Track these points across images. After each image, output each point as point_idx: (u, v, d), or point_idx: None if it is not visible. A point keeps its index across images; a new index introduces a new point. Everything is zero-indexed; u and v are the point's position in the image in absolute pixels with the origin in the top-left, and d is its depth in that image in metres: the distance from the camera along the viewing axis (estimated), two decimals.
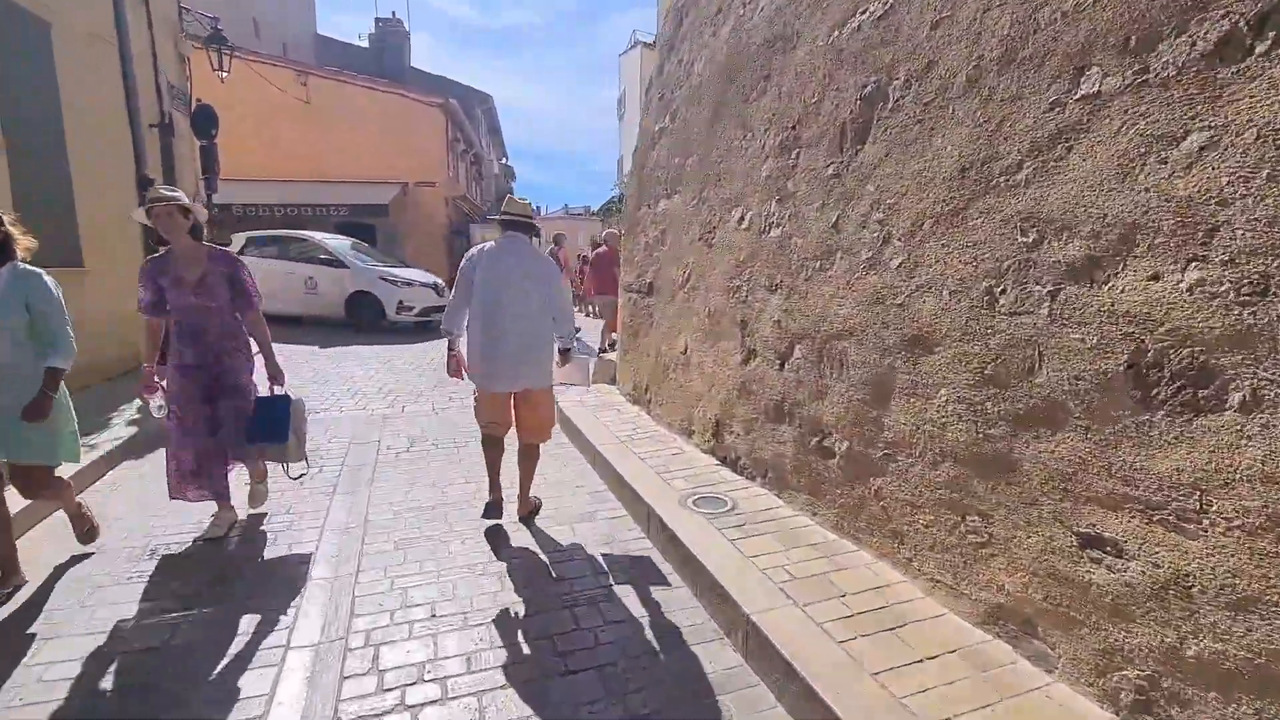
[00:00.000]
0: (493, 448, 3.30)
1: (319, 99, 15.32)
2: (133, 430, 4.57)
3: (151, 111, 7.17)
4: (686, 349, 4.34)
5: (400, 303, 9.99)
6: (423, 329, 10.30)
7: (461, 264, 3.22)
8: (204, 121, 7.72)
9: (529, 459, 3.39)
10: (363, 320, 10.08)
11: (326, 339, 9.34)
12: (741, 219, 3.71)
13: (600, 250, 9.01)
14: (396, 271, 10.50)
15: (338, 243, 10.88)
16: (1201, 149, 1.57)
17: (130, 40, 6.69)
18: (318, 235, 10.99)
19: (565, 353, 3.38)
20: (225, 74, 8.48)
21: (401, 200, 15.52)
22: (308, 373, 7.03)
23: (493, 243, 3.20)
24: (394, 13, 24.87)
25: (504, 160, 38.37)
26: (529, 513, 3.43)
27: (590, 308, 13.53)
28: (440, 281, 10.97)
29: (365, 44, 24.81)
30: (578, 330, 3.43)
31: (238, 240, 10.87)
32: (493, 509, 3.28)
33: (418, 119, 15.88)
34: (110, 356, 6.19)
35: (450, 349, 3.23)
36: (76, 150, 5.79)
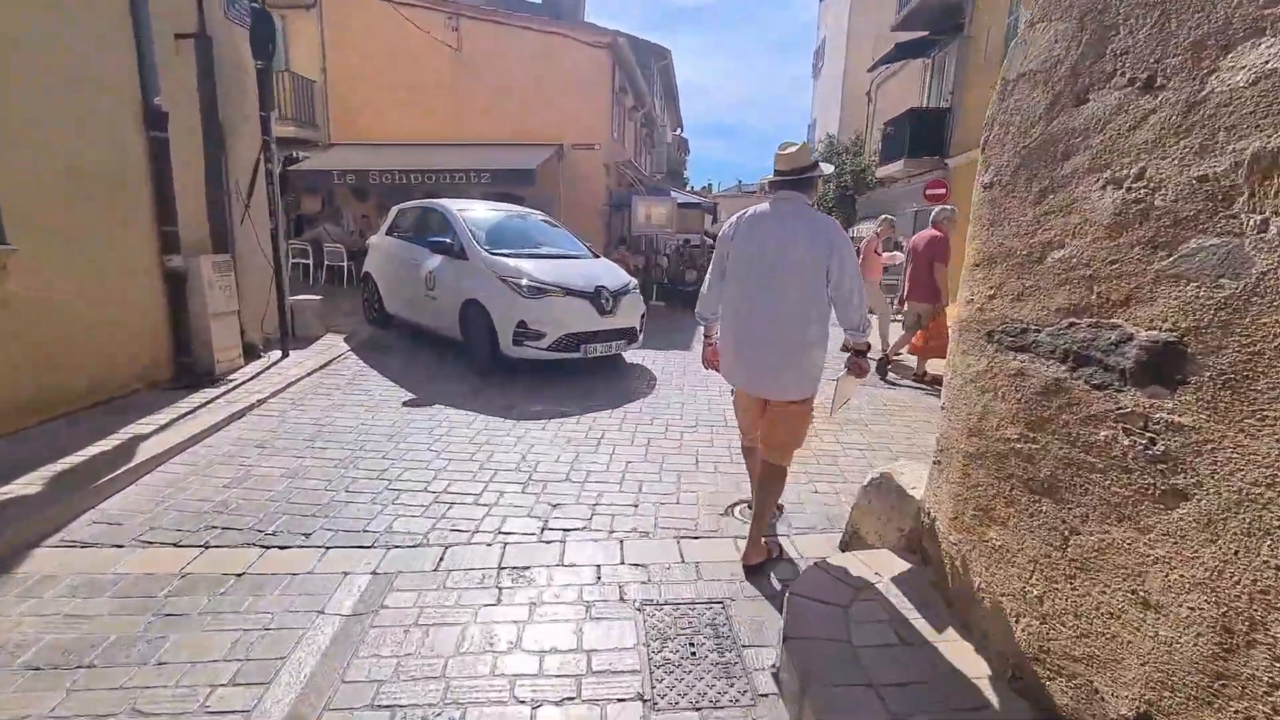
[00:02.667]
0: (754, 457, 2.81)
1: (470, 47, 13.18)
2: None
3: (179, 16, 4.93)
4: None
5: (522, 325, 5.47)
6: (601, 369, 6.13)
7: (719, 236, 2.69)
8: (260, 34, 5.37)
9: (766, 486, 2.59)
10: (473, 348, 5.96)
11: (430, 387, 5.33)
12: None
13: (923, 234, 6.17)
14: (536, 270, 5.79)
15: (472, 215, 6.63)
16: None
17: None
18: (449, 204, 6.88)
19: (858, 355, 2.56)
20: None
21: (554, 165, 12.98)
22: (314, 463, 3.62)
23: (756, 208, 2.53)
24: None
25: (679, 131, 35.02)
26: (758, 562, 2.56)
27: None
28: (612, 288, 6.01)
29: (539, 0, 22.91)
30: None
31: (391, 215, 7.82)
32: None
33: (578, 66, 13.11)
34: (52, 385, 3.99)
35: (706, 336, 2.80)
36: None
